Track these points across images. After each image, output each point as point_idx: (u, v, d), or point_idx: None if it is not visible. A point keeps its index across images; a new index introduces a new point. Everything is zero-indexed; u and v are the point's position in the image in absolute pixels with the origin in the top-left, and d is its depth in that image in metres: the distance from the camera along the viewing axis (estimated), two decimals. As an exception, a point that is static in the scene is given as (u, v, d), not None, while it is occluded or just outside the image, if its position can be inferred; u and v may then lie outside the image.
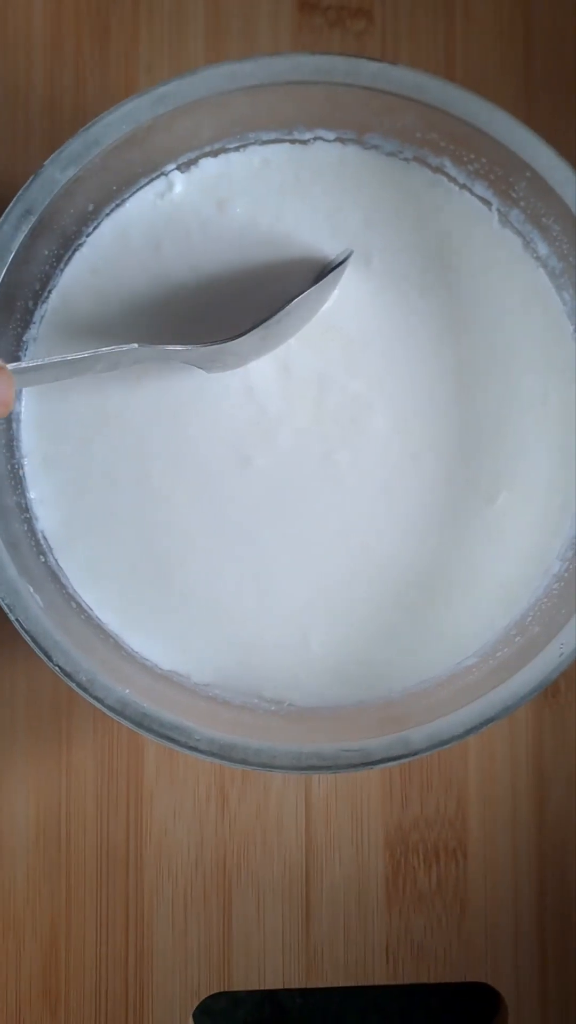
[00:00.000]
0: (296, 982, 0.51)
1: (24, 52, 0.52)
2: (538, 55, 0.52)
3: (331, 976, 0.51)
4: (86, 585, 0.46)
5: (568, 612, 0.42)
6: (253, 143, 0.46)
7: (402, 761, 0.41)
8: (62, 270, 0.45)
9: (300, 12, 0.52)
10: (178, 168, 0.46)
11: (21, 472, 0.46)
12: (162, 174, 0.45)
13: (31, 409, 0.46)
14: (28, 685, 0.51)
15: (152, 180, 0.45)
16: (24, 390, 0.46)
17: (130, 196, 0.45)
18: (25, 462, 0.46)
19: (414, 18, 0.53)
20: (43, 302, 0.46)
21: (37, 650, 0.41)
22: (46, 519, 0.46)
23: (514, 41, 0.53)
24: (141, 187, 0.45)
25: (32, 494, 0.46)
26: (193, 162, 0.46)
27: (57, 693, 0.51)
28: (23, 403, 0.46)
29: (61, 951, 0.51)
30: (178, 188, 0.46)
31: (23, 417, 0.46)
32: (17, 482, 0.45)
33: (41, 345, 0.46)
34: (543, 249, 0.45)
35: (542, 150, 0.42)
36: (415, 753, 0.41)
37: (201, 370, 0.45)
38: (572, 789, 0.52)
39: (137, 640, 0.46)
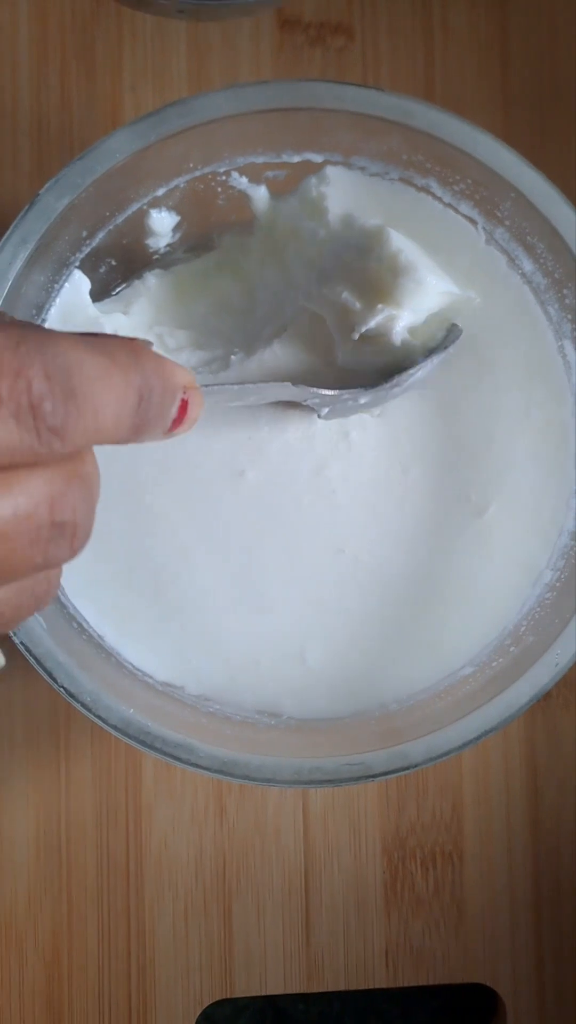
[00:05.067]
0: (297, 988, 0.52)
1: (10, 72, 0.52)
2: (515, 68, 0.53)
3: (332, 981, 0.52)
4: (84, 599, 0.46)
5: (562, 621, 0.43)
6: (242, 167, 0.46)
7: (402, 774, 0.41)
8: (56, 296, 0.46)
9: (281, 30, 0.53)
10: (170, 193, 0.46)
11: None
12: (154, 198, 0.46)
13: None
14: (25, 700, 0.51)
15: (143, 204, 0.46)
16: None
17: (122, 220, 0.46)
18: None
19: (393, 34, 0.53)
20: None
21: (42, 672, 0.41)
22: None
23: (491, 55, 0.53)
24: (133, 211, 0.46)
25: None
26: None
27: (54, 707, 0.51)
28: None
29: (63, 964, 0.51)
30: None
31: None
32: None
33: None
34: (528, 266, 0.46)
35: (526, 172, 0.42)
36: (414, 766, 0.41)
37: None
38: (565, 791, 0.53)
39: (134, 653, 0.47)
